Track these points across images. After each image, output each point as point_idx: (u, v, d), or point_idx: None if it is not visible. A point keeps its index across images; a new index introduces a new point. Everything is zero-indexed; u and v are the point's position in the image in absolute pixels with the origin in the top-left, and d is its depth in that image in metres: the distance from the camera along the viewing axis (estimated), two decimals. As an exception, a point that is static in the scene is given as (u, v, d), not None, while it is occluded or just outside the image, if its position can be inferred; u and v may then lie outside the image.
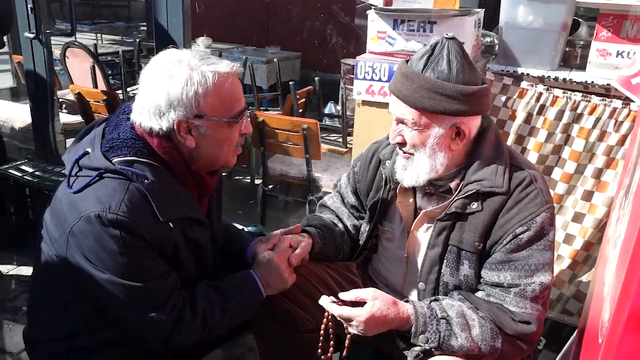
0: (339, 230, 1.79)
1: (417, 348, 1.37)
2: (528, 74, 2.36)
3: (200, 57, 1.37)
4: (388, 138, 1.67)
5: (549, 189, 1.48)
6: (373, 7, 2.40)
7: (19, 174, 2.98)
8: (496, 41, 2.66)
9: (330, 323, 1.48)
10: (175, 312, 1.37)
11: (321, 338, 1.49)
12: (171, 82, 1.32)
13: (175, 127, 1.35)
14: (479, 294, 1.46)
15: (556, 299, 2.46)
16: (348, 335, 1.48)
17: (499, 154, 1.47)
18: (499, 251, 1.42)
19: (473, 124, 1.44)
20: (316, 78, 4.08)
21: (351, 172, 1.83)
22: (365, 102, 2.54)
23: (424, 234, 1.57)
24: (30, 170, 3.04)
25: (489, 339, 1.36)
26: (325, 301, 1.43)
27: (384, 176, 1.65)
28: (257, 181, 3.73)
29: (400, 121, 1.45)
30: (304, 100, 4.08)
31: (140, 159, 1.35)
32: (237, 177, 4.45)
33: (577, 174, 2.33)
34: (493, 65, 2.44)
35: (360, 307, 1.38)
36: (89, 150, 1.37)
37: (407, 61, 1.45)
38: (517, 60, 2.39)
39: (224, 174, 4.36)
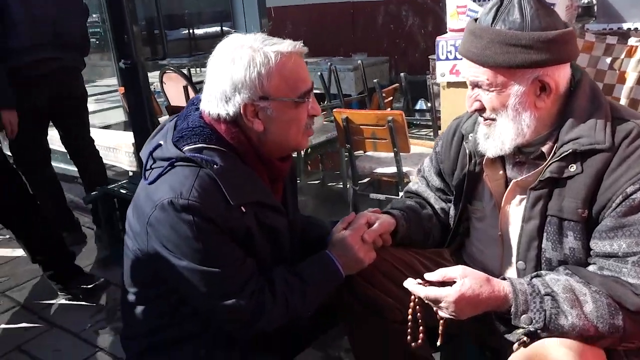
0: (426, 213, 1.66)
1: (520, 330, 1.20)
2: (636, 29, 2.08)
3: (262, 39, 1.35)
4: (470, 116, 1.54)
5: None
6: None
7: (124, 192, 3.16)
8: (594, 1, 2.39)
9: (418, 307, 1.36)
10: (254, 298, 1.34)
11: (409, 324, 1.37)
12: (234, 66, 1.31)
13: (241, 111, 1.33)
14: (591, 267, 1.26)
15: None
16: (441, 321, 1.35)
17: (597, 107, 1.27)
18: (608, 216, 1.22)
19: (560, 76, 1.27)
20: (402, 73, 3.96)
21: (433, 153, 1.70)
22: (450, 84, 2.40)
23: (517, 208, 1.40)
24: (132, 187, 3.21)
25: (607, 315, 1.15)
26: (410, 283, 1.31)
27: (467, 151, 1.51)
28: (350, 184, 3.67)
29: (475, 85, 1.32)
30: (391, 98, 3.97)
31: (209, 146, 1.34)
32: (330, 184, 4.42)
33: None
34: (592, 25, 2.19)
35: (449, 287, 1.24)
36: (161, 142, 1.39)
37: (475, 19, 1.32)
38: (621, 15, 2.13)
39: (317, 181, 4.36)
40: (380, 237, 1.50)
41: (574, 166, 1.25)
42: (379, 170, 3.18)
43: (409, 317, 1.36)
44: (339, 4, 8.13)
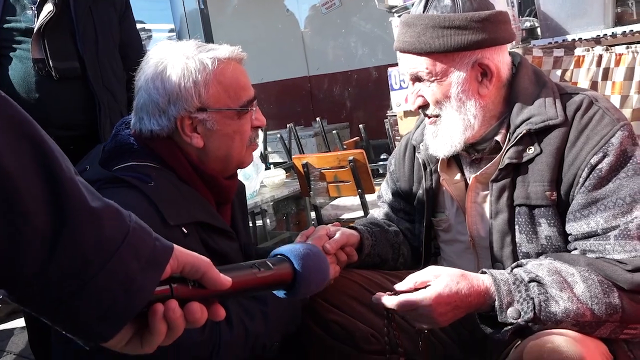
0: (392, 229, 1.53)
1: (509, 327, 1.04)
2: (580, 39, 2.10)
3: (196, 45, 1.26)
4: (417, 126, 1.49)
5: (615, 107, 1.21)
6: (392, 12, 2.27)
7: None
8: (537, 24, 2.43)
9: (395, 332, 1.20)
10: (208, 330, 1.16)
11: (387, 355, 1.20)
12: (166, 75, 1.20)
13: (178, 125, 1.21)
14: (572, 253, 1.15)
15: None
16: (420, 341, 1.18)
17: (541, 86, 1.24)
18: (579, 193, 1.13)
19: (499, 59, 1.23)
20: (360, 125, 3.95)
21: (388, 174, 1.63)
22: (407, 114, 2.35)
23: (482, 205, 1.31)
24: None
25: (601, 294, 1.02)
26: (379, 296, 1.15)
27: (420, 161, 1.43)
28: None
29: (415, 78, 1.27)
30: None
31: (141, 163, 1.21)
32: (299, 244, 4.25)
33: (670, 135, 1.97)
34: (537, 41, 2.21)
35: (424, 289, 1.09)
36: (87, 167, 1.25)
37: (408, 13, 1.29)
38: (564, 28, 2.15)
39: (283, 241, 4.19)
40: (343, 251, 1.35)
41: (532, 148, 1.19)
42: (346, 216, 3.05)
43: (386, 338, 1.19)
44: (296, 79, 8.34)
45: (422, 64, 1.22)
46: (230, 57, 1.24)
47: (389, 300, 1.13)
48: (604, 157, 1.11)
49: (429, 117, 1.29)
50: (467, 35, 1.17)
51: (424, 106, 1.28)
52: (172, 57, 1.21)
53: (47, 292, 0.56)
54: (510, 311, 1.03)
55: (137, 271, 0.61)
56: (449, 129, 1.25)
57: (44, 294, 0.56)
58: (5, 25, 1.80)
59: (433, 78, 1.22)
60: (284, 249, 0.85)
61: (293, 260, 0.83)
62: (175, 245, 0.67)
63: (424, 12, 1.22)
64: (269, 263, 0.81)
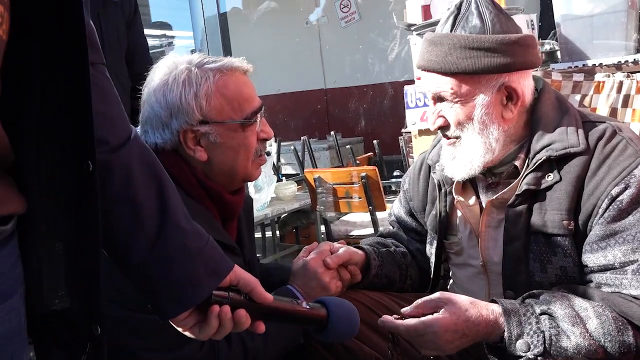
0: (400, 250, 1.51)
1: (518, 361, 1.01)
2: (601, 64, 2.06)
3: (200, 57, 1.25)
4: (434, 146, 1.47)
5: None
6: (411, 30, 2.26)
7: None
8: (557, 47, 2.40)
9: (399, 356, 1.16)
10: (206, 347, 1.14)
11: None
12: (168, 87, 1.19)
13: (181, 139, 1.20)
14: (588, 286, 1.11)
15: None
16: None
17: (564, 113, 1.21)
18: (597, 224, 1.10)
19: (525, 84, 1.21)
20: (375, 141, 3.93)
21: (401, 192, 1.60)
22: (422, 132, 2.33)
23: (496, 230, 1.27)
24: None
25: (614, 331, 0.99)
26: (385, 320, 1.12)
27: (436, 181, 1.40)
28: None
29: (437, 98, 1.24)
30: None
31: None
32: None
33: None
34: (557, 65, 2.18)
35: (430, 315, 1.07)
36: None
37: (432, 30, 1.27)
38: (584, 53, 2.11)
39: (292, 254, 4.16)
40: (347, 270, 1.32)
41: (551, 175, 1.16)
42: (355, 232, 3.02)
43: None
44: (313, 91, 8.36)
45: (446, 84, 1.19)
46: (234, 68, 1.23)
47: (396, 324, 1.11)
48: (625, 188, 1.08)
49: (448, 139, 1.27)
50: (495, 58, 1.15)
51: (444, 127, 1.26)
52: (174, 70, 1.20)
53: (143, 273, 0.82)
54: (520, 343, 1.01)
55: (203, 275, 0.83)
56: (469, 152, 1.22)
57: (143, 274, 0.82)
58: None
59: (457, 99, 1.19)
60: (326, 298, 1.01)
61: (329, 306, 0.96)
62: (236, 265, 0.89)
63: (451, 31, 1.20)
64: (309, 303, 0.97)
